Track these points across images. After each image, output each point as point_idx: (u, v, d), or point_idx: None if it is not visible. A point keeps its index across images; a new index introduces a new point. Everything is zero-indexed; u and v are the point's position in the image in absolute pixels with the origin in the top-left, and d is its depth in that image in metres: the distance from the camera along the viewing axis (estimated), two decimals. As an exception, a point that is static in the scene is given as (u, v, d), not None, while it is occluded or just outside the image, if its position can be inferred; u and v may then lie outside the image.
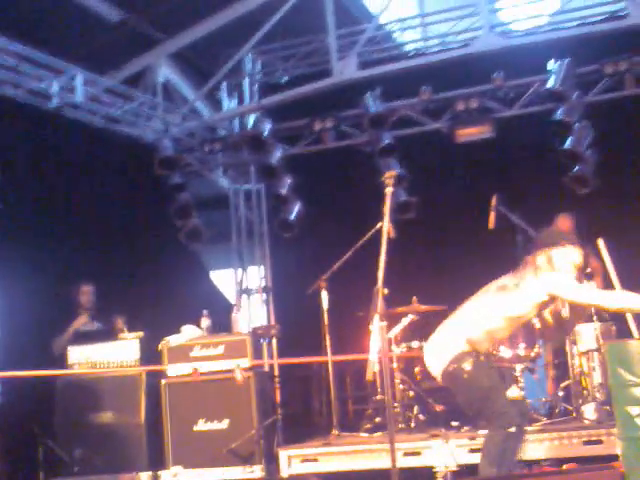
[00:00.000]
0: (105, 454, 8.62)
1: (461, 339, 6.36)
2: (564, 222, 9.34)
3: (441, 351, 6.43)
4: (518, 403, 6.42)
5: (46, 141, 10.23)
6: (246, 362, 8.70)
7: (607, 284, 7.76)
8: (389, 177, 6.24)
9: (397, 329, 9.00)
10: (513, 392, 6.43)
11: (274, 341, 9.12)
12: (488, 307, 6.42)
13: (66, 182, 10.31)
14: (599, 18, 10.84)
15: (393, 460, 5.76)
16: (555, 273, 6.28)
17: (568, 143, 10.04)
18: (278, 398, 8.92)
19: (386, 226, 6.03)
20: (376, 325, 5.90)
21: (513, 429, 6.15)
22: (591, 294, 6.46)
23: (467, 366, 6.25)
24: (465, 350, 6.29)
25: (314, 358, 9.65)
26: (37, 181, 10.00)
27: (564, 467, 7.39)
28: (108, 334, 9.24)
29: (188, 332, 8.91)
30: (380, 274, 5.82)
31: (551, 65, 10.25)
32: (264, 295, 12.03)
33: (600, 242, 7.89)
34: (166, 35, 11.72)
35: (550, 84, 10.16)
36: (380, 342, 5.89)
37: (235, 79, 12.16)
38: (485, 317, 6.37)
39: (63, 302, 9.53)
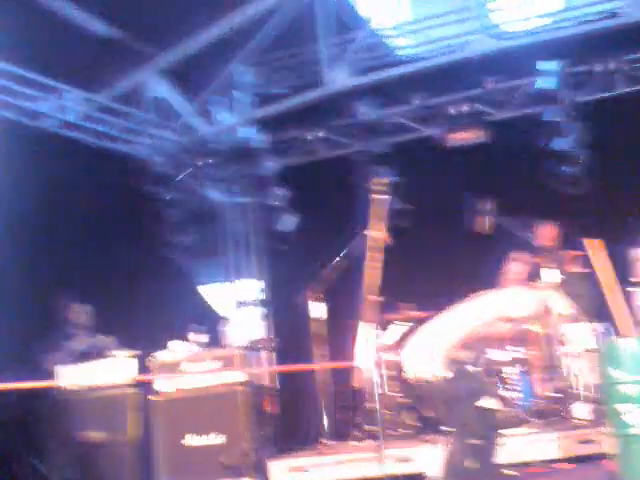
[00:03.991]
0: (97, 473, 8.57)
1: (442, 344, 6.28)
2: (547, 231, 9.24)
3: (420, 355, 6.35)
4: (489, 415, 6.28)
5: (39, 159, 10.22)
6: (236, 375, 8.64)
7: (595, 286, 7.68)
8: (379, 184, 6.22)
9: (392, 336, 8.92)
10: (488, 402, 6.30)
11: (270, 353, 9.07)
12: (466, 315, 6.36)
13: (58, 199, 10.29)
14: (590, 18, 10.71)
15: (382, 468, 5.72)
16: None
17: (559, 144, 9.94)
18: (270, 410, 8.86)
19: (376, 233, 6.00)
20: (363, 332, 5.86)
21: (475, 442, 6.05)
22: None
23: (442, 372, 6.16)
24: (445, 356, 6.21)
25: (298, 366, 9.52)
26: (29, 199, 9.98)
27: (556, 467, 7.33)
28: (98, 353, 9.22)
29: (176, 347, 8.88)
30: (369, 282, 5.79)
31: (541, 66, 10.14)
32: (259, 308, 11.95)
33: (587, 242, 7.80)
34: (157, 51, 11.70)
35: (541, 85, 10.05)
36: (368, 349, 5.85)
37: (226, 92, 12.14)
38: (462, 325, 6.30)
39: (52, 317, 9.49)
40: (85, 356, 9.19)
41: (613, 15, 10.28)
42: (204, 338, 9.21)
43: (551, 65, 10.08)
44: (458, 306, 6.54)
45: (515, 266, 8.65)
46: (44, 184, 10.21)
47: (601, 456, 7.10)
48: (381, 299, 5.97)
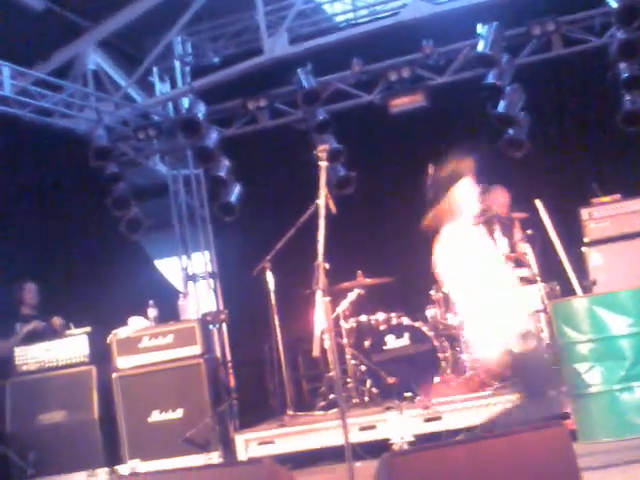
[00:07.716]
0: (60, 454, 8.58)
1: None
2: (499, 194, 9.37)
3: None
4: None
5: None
6: (196, 349, 8.69)
7: (547, 244, 7.85)
8: (322, 151, 6.22)
9: (344, 304, 9.02)
10: None
11: (224, 326, 9.09)
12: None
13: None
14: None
15: (346, 436, 5.79)
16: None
17: (501, 107, 10.06)
18: (231, 383, 8.92)
19: (323, 201, 6.01)
20: (319, 300, 5.89)
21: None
22: None
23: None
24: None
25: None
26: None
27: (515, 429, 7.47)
28: (52, 332, 9.16)
29: (135, 323, 8.88)
30: (320, 249, 5.80)
31: (480, 29, 10.22)
32: (210, 281, 11.93)
33: (538, 203, 7.97)
34: (93, 23, 11.52)
35: (479, 48, 10.13)
36: (324, 317, 5.89)
37: (166, 63, 12.02)
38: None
39: (2, 303, 9.40)
40: (41, 337, 9.13)
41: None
42: (155, 312, 9.17)
43: (488, 28, 10.14)
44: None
45: None
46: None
47: (560, 416, 7.28)
48: (328, 266, 5.95)
